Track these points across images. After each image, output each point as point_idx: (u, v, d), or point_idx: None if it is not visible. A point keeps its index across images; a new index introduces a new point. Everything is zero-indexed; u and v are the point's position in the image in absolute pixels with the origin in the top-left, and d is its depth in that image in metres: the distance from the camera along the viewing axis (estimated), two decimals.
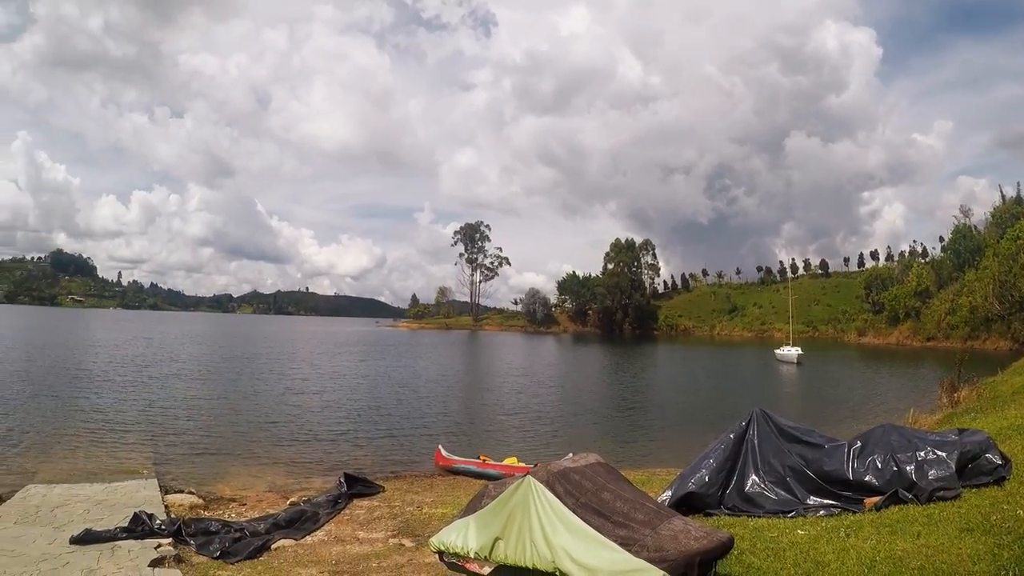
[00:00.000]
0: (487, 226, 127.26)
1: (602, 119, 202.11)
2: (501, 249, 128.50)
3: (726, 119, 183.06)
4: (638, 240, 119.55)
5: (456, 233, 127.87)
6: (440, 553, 5.30)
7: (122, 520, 7.85)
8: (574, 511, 4.73)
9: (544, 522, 4.71)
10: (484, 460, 12.72)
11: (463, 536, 5.11)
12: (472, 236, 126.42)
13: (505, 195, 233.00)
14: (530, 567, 4.73)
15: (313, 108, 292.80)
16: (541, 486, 4.88)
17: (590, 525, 4.66)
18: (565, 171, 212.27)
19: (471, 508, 5.30)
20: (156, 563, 6.37)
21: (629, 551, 4.43)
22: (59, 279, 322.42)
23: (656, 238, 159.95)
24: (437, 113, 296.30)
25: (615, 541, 4.53)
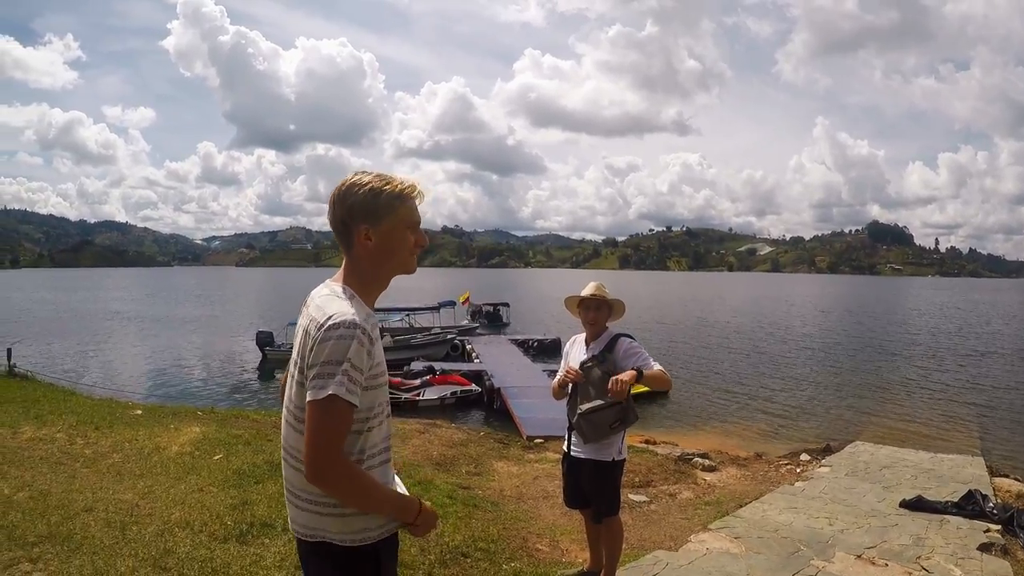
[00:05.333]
0: None
1: None
2: None
3: None
4: None
5: None
6: None
7: (950, 494, 7.59)
8: None
9: None
10: None
11: None
12: None
13: None
14: None
15: None
16: None
17: None
18: None
19: None
20: (984, 548, 5.96)
21: None
22: (877, 249, 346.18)
23: None
24: None
25: None
